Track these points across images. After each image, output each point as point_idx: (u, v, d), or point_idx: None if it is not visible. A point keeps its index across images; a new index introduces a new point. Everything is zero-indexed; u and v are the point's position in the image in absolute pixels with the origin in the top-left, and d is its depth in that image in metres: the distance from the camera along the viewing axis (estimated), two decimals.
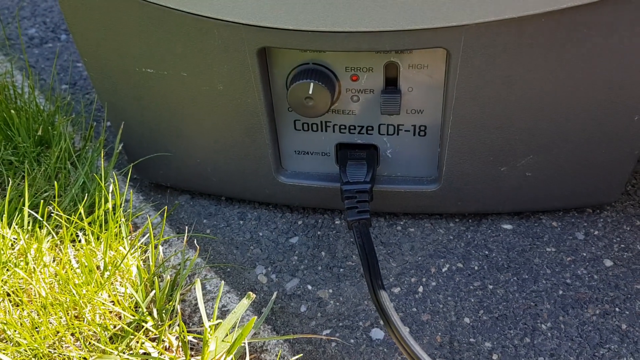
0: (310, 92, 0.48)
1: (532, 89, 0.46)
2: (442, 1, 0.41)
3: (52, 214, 0.54)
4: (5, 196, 0.56)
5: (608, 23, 0.42)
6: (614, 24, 0.42)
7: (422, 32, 0.43)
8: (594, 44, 0.43)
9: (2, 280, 0.48)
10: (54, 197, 0.57)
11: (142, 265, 0.52)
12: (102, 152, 0.58)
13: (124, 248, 0.51)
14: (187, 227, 0.59)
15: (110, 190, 0.53)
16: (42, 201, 0.53)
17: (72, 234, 0.52)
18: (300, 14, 0.43)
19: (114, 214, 0.52)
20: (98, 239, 0.52)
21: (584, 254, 0.53)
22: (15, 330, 0.44)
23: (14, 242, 0.52)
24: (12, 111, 0.62)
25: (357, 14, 0.43)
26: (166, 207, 0.61)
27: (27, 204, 0.51)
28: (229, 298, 0.51)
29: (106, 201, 0.53)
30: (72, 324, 0.45)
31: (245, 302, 0.46)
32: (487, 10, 0.41)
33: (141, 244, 0.54)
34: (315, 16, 0.43)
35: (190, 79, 0.50)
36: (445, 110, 0.49)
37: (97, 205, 0.53)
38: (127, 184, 0.62)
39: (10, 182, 0.54)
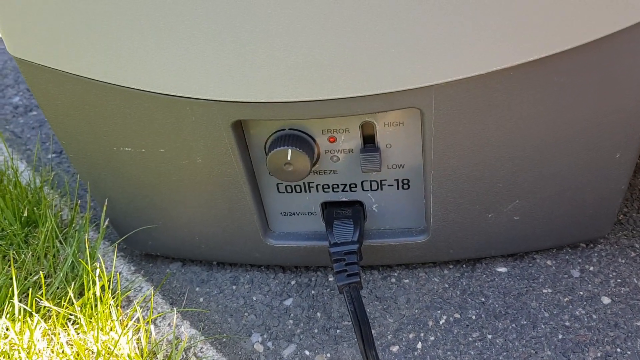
0: (289, 158, 0.48)
1: (508, 139, 0.45)
2: (409, 64, 0.41)
3: (41, 303, 0.53)
4: None
5: (572, 70, 0.41)
6: (578, 70, 0.42)
7: (392, 94, 0.43)
8: (564, 90, 0.43)
9: None
10: (45, 278, 0.57)
11: (135, 346, 0.51)
12: (88, 231, 0.58)
13: (115, 333, 0.50)
14: (180, 297, 0.58)
15: (98, 274, 0.52)
16: (30, 289, 0.52)
17: (64, 317, 0.51)
18: (271, 87, 0.43)
19: (103, 296, 0.52)
20: (90, 321, 0.52)
21: (581, 293, 0.52)
22: None
23: (6, 332, 0.51)
24: None
25: (327, 83, 0.42)
26: (155, 285, 0.60)
27: (16, 294, 0.51)
28: None
29: (94, 284, 0.52)
30: None
31: None
32: (453, 70, 0.41)
33: (134, 321, 0.54)
34: (286, 88, 0.43)
35: (169, 155, 0.50)
36: (425, 164, 0.48)
37: (86, 288, 0.53)
38: (115, 259, 0.62)
39: None
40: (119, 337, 0.48)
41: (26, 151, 0.89)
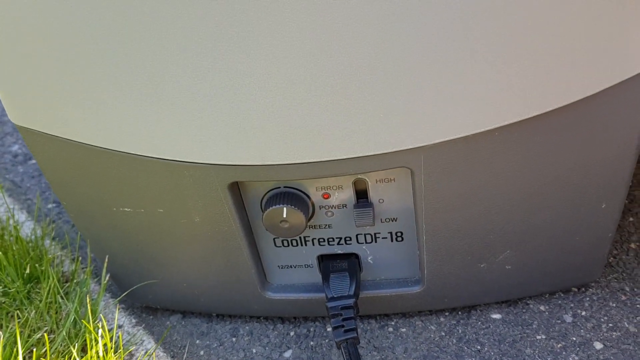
0: (285, 215, 0.49)
1: (497, 194, 0.47)
2: (398, 127, 0.42)
3: None
4: None
5: (553, 129, 0.43)
6: (560, 129, 0.43)
7: (382, 155, 0.44)
8: (547, 148, 0.44)
9: None
10: (48, 334, 0.58)
11: None
12: (89, 286, 0.59)
13: None
14: (181, 350, 0.59)
15: (100, 333, 0.53)
16: (34, 348, 0.53)
17: None
18: (266, 150, 0.45)
19: (106, 354, 0.53)
20: None
21: (574, 339, 0.53)
22: None
23: None
24: (0, 252, 0.63)
25: (320, 146, 0.44)
26: (157, 337, 0.61)
27: (21, 354, 0.52)
28: None
29: (97, 342, 0.53)
30: None
31: None
32: (440, 132, 0.43)
33: None
34: (281, 151, 0.45)
35: (167, 215, 0.52)
36: (417, 218, 0.50)
37: (89, 346, 0.54)
38: (118, 313, 0.63)
39: (2, 336, 0.54)
40: None
41: (26, 201, 0.90)
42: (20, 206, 0.89)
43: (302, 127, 0.43)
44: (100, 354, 0.52)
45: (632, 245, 0.62)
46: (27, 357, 0.56)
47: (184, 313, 0.64)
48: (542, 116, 0.42)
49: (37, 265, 0.64)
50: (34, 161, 1.01)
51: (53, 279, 0.61)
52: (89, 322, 0.55)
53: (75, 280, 0.65)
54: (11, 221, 0.74)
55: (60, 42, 0.42)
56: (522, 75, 0.40)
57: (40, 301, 0.61)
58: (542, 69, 0.40)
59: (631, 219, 0.66)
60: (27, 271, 0.64)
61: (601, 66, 0.41)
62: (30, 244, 0.70)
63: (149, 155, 0.47)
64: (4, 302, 0.63)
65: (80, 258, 0.65)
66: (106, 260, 0.58)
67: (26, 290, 0.64)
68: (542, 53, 0.40)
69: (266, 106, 0.42)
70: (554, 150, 0.45)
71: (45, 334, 0.54)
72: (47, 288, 0.61)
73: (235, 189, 0.50)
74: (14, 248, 0.66)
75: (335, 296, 0.52)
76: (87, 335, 0.55)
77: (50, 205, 0.87)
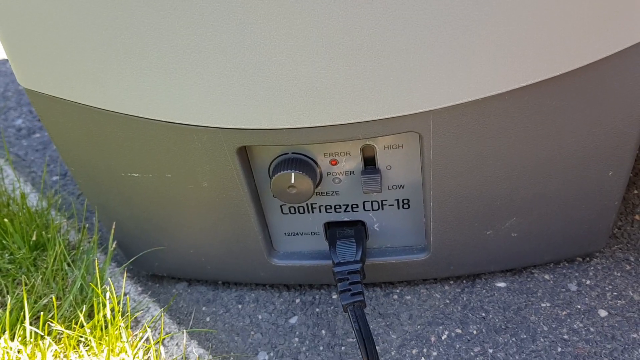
0: (292, 181, 0.49)
1: (505, 160, 0.47)
2: (408, 90, 0.43)
3: (52, 326, 0.54)
4: (6, 306, 0.57)
5: (563, 94, 0.43)
6: (569, 94, 0.43)
7: (391, 119, 0.44)
8: (556, 113, 0.44)
9: None
10: (54, 301, 0.58)
11: None
12: (96, 253, 0.59)
13: (126, 353, 0.52)
14: (187, 317, 0.59)
15: (108, 296, 0.53)
16: (42, 313, 0.54)
17: (74, 340, 0.53)
18: (274, 114, 0.45)
19: (113, 318, 0.53)
20: (100, 343, 0.53)
21: (579, 306, 0.54)
22: None
23: (19, 355, 0.53)
24: (6, 220, 0.64)
25: (328, 110, 0.44)
26: (163, 308, 0.62)
27: (27, 318, 0.52)
28: None
29: (104, 306, 0.53)
30: None
31: None
32: (450, 96, 0.43)
33: (144, 342, 0.55)
34: (289, 115, 0.45)
35: (175, 180, 0.52)
36: (424, 185, 0.50)
37: (95, 310, 0.54)
38: (125, 280, 0.63)
39: (10, 298, 0.55)
40: (133, 358, 0.50)
41: (30, 173, 0.90)
42: (24, 179, 0.89)
43: (310, 91, 0.43)
44: (108, 316, 0.52)
45: (637, 217, 0.62)
46: (33, 322, 0.56)
47: (189, 281, 0.64)
48: (552, 80, 0.42)
49: (43, 232, 0.64)
50: (37, 135, 1.01)
51: (60, 245, 0.61)
52: (96, 286, 0.55)
53: (81, 248, 0.65)
54: (17, 191, 0.74)
55: (68, 3, 0.42)
56: (533, 38, 0.40)
57: (47, 268, 0.62)
58: (552, 31, 0.40)
59: (636, 191, 0.66)
60: (34, 238, 0.64)
61: (611, 30, 0.41)
62: (36, 213, 0.70)
63: (158, 119, 0.47)
64: (10, 269, 0.63)
65: (87, 225, 0.65)
66: (113, 226, 0.58)
67: (32, 258, 0.64)
68: (552, 15, 0.39)
69: (275, 70, 0.42)
70: (562, 116, 0.45)
71: (54, 297, 0.54)
72: (54, 255, 0.62)
73: (244, 154, 0.50)
74: (20, 215, 0.66)
75: (341, 261, 0.52)
76: (94, 299, 0.55)
77: (55, 178, 0.87)
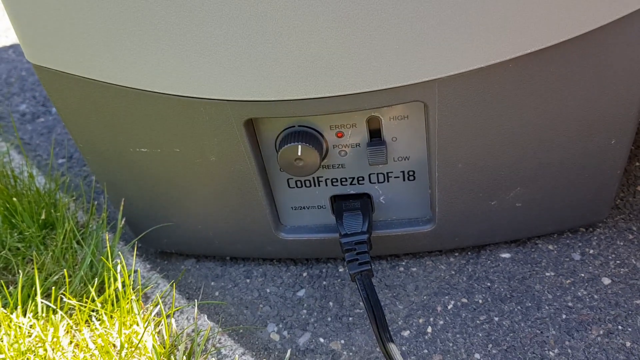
0: (299, 153, 0.50)
1: (510, 128, 0.47)
2: (413, 59, 0.43)
3: (64, 299, 0.55)
4: (16, 284, 0.58)
5: (568, 61, 0.44)
6: (574, 61, 0.44)
7: (397, 89, 0.45)
8: (561, 81, 0.45)
9: None
10: (65, 278, 0.59)
11: (157, 338, 0.53)
12: (106, 231, 0.60)
13: (137, 325, 0.52)
14: (196, 292, 0.60)
15: (119, 270, 0.54)
16: (53, 288, 0.54)
17: (86, 314, 0.53)
18: (281, 86, 0.45)
19: (124, 292, 0.54)
20: (111, 317, 0.54)
21: (582, 275, 0.55)
22: None
23: (30, 330, 0.53)
24: (14, 198, 0.64)
25: (334, 80, 0.45)
26: (173, 280, 0.63)
27: (39, 293, 0.53)
28: None
29: (115, 280, 0.54)
30: None
31: None
32: (455, 64, 0.43)
33: (154, 316, 0.56)
34: (295, 86, 0.45)
35: (183, 154, 0.52)
36: (430, 156, 0.51)
37: (106, 284, 0.55)
38: (135, 258, 0.64)
39: (21, 274, 0.56)
40: (144, 330, 0.50)
41: (36, 157, 0.91)
42: (30, 162, 0.89)
43: (316, 62, 0.43)
44: (120, 289, 0.53)
45: (639, 188, 0.63)
46: (44, 299, 0.57)
47: (197, 258, 0.65)
48: (556, 47, 0.43)
49: (52, 211, 0.65)
50: (42, 119, 1.01)
51: (69, 222, 0.62)
52: (107, 260, 0.56)
53: (89, 227, 0.66)
54: (25, 173, 0.75)
55: None
56: (537, 4, 0.41)
57: (56, 246, 0.62)
58: None
59: (637, 163, 0.66)
60: (43, 217, 0.65)
61: None
62: (45, 193, 0.70)
63: (165, 92, 0.48)
64: (20, 247, 0.64)
65: (96, 203, 0.66)
66: (122, 203, 0.59)
67: (41, 236, 0.65)
68: None
69: (281, 41, 0.43)
70: (566, 83, 0.45)
71: (66, 271, 0.55)
72: (63, 233, 0.62)
73: (251, 127, 0.50)
74: (29, 194, 0.67)
75: (348, 233, 0.53)
76: (105, 274, 0.56)
77: (60, 160, 0.88)
